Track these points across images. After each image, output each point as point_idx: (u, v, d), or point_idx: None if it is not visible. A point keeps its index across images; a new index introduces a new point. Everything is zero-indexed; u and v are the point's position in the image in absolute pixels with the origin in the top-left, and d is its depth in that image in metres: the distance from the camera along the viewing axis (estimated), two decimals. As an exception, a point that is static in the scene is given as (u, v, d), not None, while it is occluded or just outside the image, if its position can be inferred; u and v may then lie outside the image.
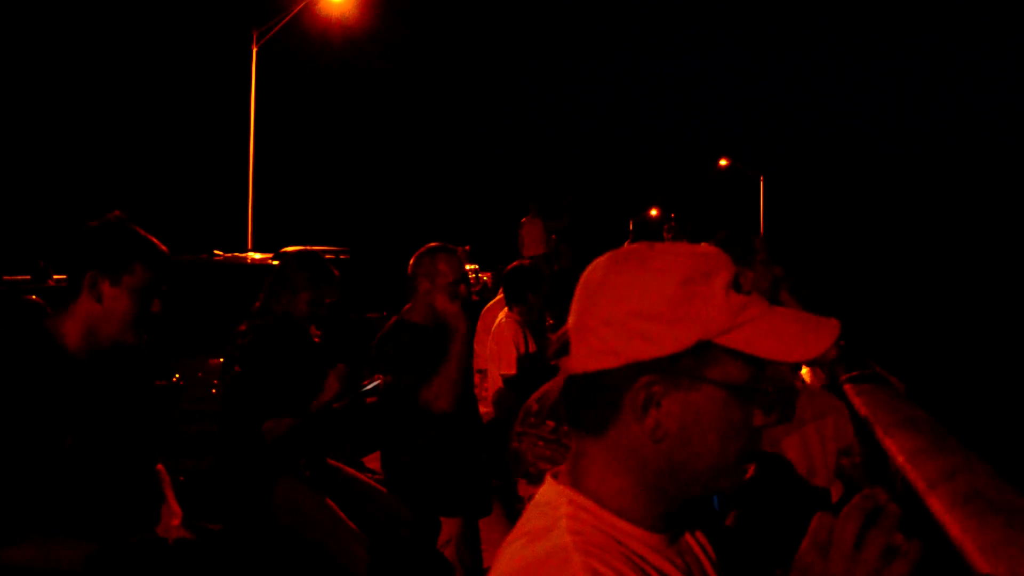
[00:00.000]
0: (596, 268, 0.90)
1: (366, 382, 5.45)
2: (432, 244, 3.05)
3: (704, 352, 0.84)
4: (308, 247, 3.16)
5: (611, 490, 0.87)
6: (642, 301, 0.84)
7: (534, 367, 4.02)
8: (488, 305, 5.16)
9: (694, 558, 0.94)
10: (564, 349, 0.88)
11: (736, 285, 0.86)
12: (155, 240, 2.00)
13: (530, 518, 0.90)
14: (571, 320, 0.91)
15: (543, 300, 4.30)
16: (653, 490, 0.87)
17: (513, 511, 2.22)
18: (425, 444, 2.94)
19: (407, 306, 3.05)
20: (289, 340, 2.93)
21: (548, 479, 0.93)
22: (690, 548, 0.95)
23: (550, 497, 0.90)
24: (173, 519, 2.09)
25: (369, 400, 5.17)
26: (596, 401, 0.87)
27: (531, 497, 1.71)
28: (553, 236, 8.30)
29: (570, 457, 0.93)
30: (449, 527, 2.95)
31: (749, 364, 0.85)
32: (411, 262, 3.02)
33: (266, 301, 2.97)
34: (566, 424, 1.68)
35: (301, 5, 13.97)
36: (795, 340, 0.85)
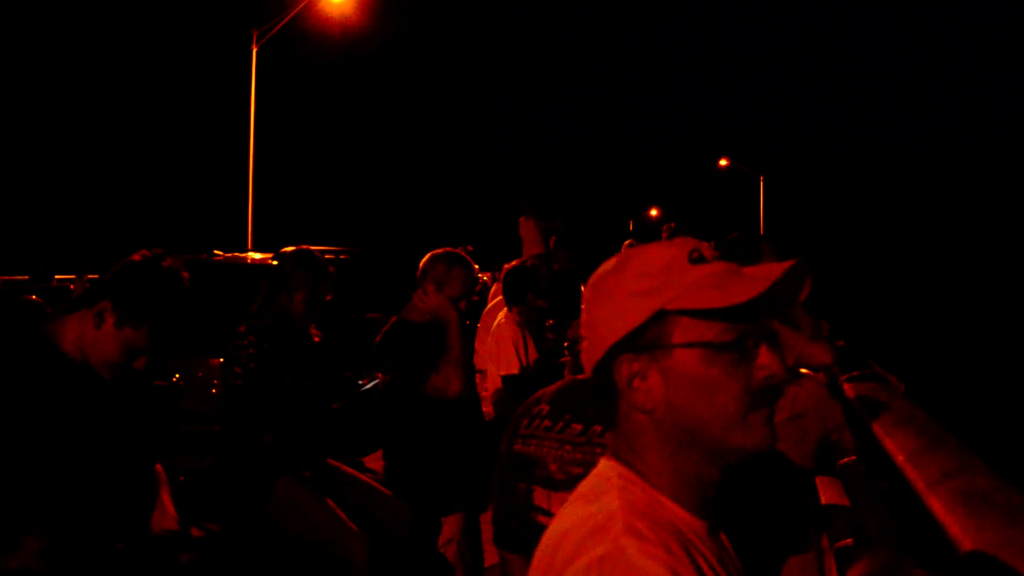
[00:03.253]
0: (589, 282, 1.00)
1: (365, 381, 5.45)
2: (451, 250, 3.03)
3: (664, 321, 0.90)
4: (305, 246, 3.14)
5: (651, 470, 0.92)
6: (612, 299, 0.93)
7: (534, 367, 4.02)
8: (488, 306, 5.16)
9: (727, 554, 0.96)
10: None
11: (692, 259, 0.91)
12: (183, 308, 1.98)
13: (586, 484, 0.97)
14: (582, 332, 1.00)
15: (543, 300, 4.29)
16: (683, 466, 0.91)
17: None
18: (426, 444, 2.94)
19: (407, 306, 3.05)
20: (288, 341, 2.93)
21: (603, 459, 0.99)
22: (722, 543, 0.97)
23: (603, 470, 0.96)
24: (166, 519, 2.09)
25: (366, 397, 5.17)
26: (600, 395, 0.95)
27: (548, 508, 1.68)
28: (552, 239, 8.27)
29: (610, 447, 0.99)
30: (451, 526, 2.95)
31: (717, 321, 0.89)
32: (424, 260, 3.00)
33: (263, 301, 2.97)
34: (597, 425, 1.66)
35: (301, 5, 13.96)
36: (734, 286, 0.88)
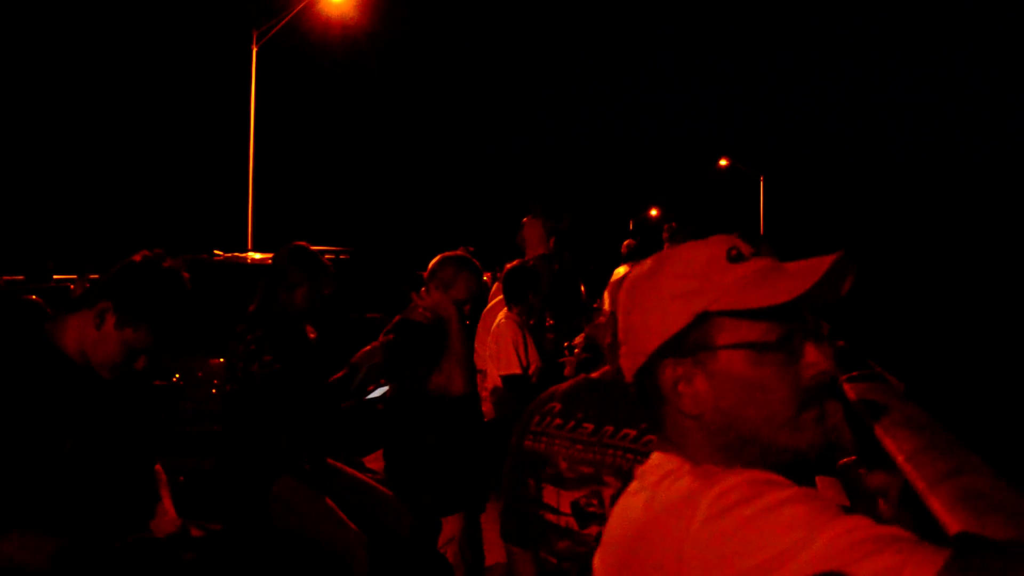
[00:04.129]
0: (624, 287, 0.97)
1: (371, 387, 5.44)
2: (461, 255, 3.04)
3: (707, 323, 0.87)
4: (299, 242, 3.13)
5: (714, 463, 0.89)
6: (650, 303, 0.91)
7: (534, 367, 4.02)
8: (488, 306, 5.16)
9: None
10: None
11: (731, 257, 0.89)
12: (183, 308, 1.98)
13: (642, 472, 0.93)
14: (619, 338, 0.98)
15: (543, 300, 4.29)
16: (733, 468, 0.88)
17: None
18: (427, 443, 2.94)
19: (409, 306, 3.05)
20: (289, 339, 2.93)
21: (654, 454, 0.96)
22: None
23: (656, 459, 0.93)
24: (166, 519, 2.09)
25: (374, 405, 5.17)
26: (643, 401, 0.94)
27: (557, 506, 1.64)
28: (552, 239, 8.25)
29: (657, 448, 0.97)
30: (451, 526, 2.95)
31: (762, 320, 0.86)
32: (434, 261, 3.00)
33: (263, 300, 2.97)
34: (608, 425, 1.66)
35: (301, 5, 13.97)
36: (778, 283, 0.85)
